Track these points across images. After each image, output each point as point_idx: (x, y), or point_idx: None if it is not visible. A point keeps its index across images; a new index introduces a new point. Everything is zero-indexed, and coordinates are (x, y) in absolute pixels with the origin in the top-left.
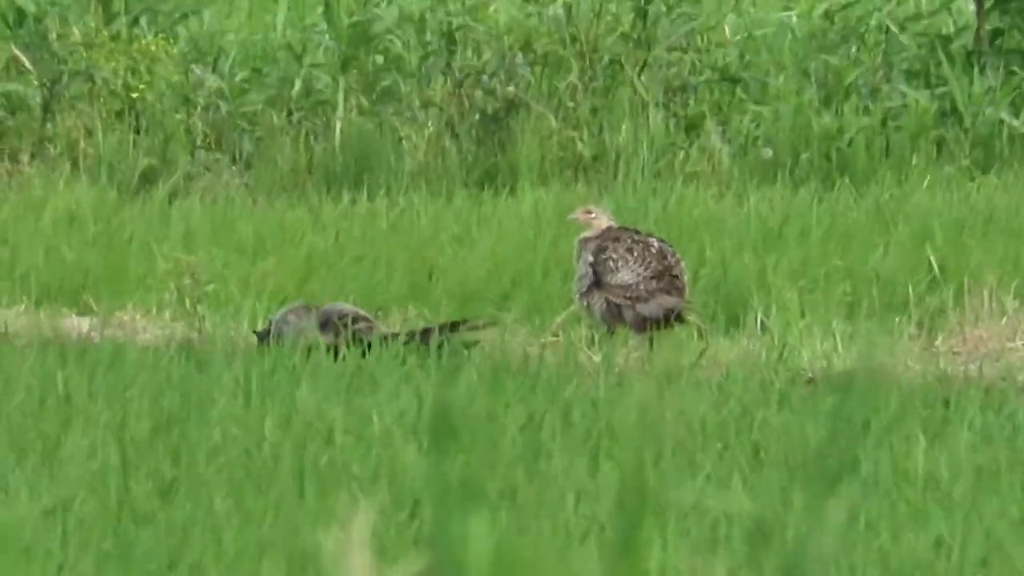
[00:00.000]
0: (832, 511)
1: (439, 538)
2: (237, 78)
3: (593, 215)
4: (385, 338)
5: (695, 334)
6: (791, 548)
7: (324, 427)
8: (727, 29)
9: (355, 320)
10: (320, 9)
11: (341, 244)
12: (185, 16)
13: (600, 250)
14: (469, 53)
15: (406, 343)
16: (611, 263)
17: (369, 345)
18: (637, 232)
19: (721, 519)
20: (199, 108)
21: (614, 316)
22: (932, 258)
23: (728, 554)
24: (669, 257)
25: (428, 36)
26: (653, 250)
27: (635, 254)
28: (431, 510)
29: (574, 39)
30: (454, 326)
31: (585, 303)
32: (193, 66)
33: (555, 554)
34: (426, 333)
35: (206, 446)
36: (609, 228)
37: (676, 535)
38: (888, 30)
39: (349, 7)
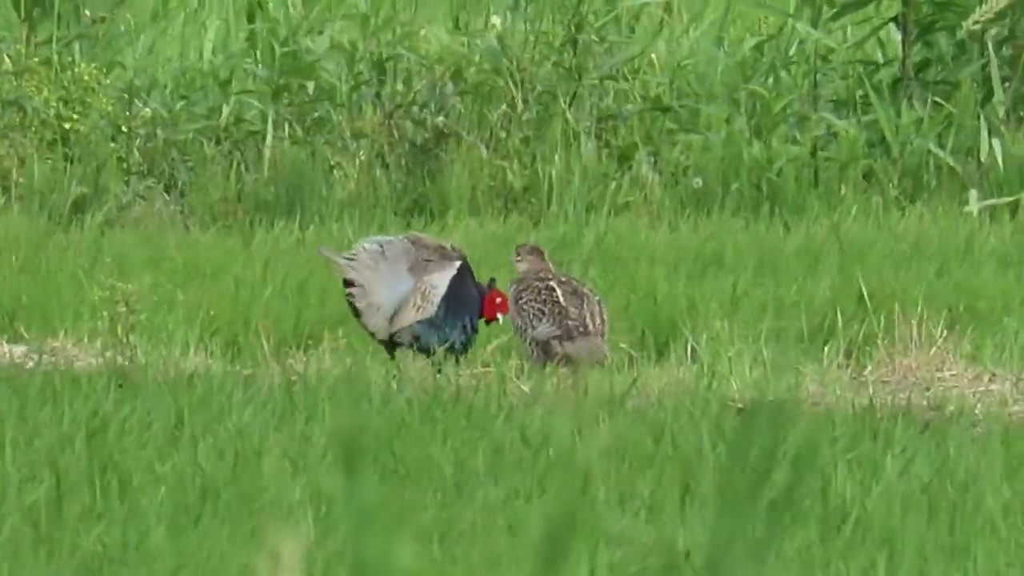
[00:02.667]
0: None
1: (359, 565)
2: (167, 107)
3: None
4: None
5: (626, 363)
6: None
7: (256, 453)
8: (655, 58)
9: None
10: (244, 36)
11: (271, 272)
12: (120, 47)
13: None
14: (400, 83)
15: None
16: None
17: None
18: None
19: (652, 548)
20: (133, 137)
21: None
22: (862, 287)
23: None
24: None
25: (359, 66)
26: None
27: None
28: (348, 537)
29: (506, 69)
30: None
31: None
32: (126, 95)
33: None
34: None
35: (140, 475)
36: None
37: (606, 565)
38: (815, 60)
39: (279, 35)
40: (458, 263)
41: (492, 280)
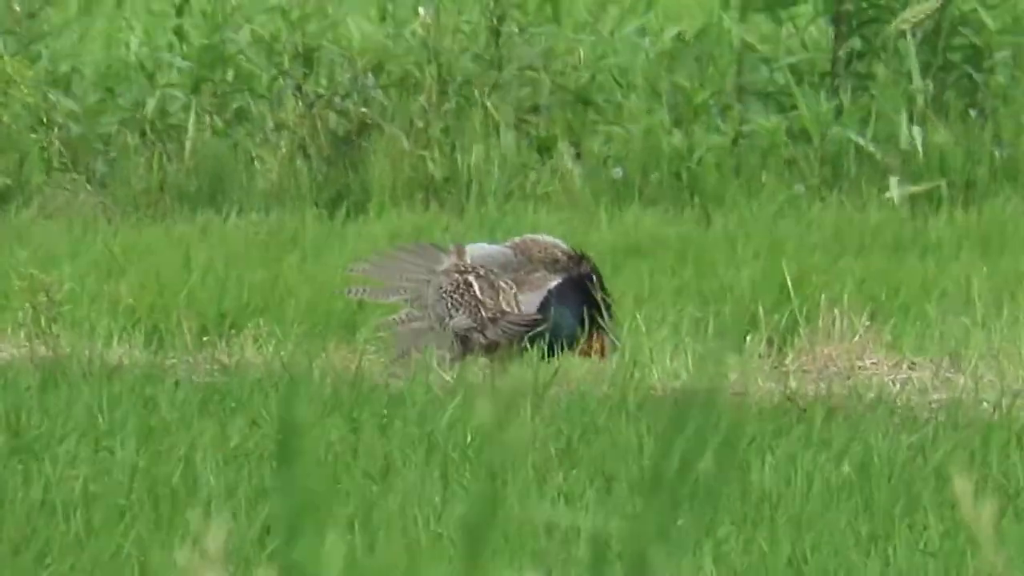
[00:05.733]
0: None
1: (290, 556)
2: (92, 99)
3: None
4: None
5: (547, 354)
6: (635, 565)
7: (180, 444)
8: (580, 51)
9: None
10: (170, 30)
11: (193, 263)
12: (43, 37)
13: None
14: (322, 76)
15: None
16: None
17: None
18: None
19: (572, 538)
20: (55, 129)
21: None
22: (786, 277)
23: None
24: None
25: (280, 57)
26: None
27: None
28: (279, 529)
29: (427, 60)
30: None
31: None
32: (48, 89)
33: (406, 570)
34: None
35: (62, 466)
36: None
37: (525, 552)
38: (740, 52)
39: (202, 29)
40: (555, 283)
41: (600, 328)
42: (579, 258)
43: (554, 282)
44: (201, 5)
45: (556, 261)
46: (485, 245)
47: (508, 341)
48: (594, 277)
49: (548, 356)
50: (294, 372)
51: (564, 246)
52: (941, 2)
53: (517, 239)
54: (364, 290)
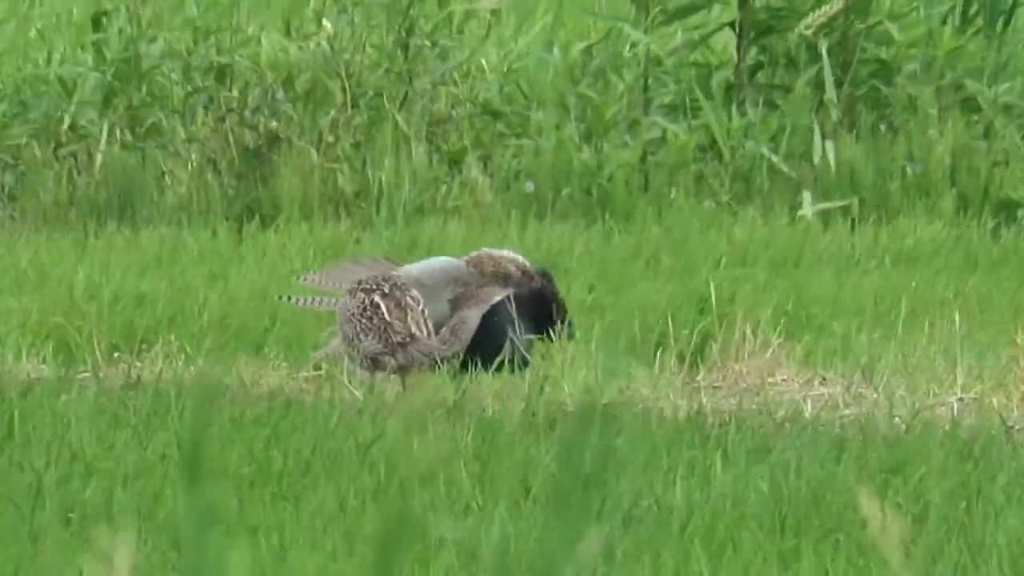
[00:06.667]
0: (586, 543)
1: (197, 570)
2: (0, 112)
3: None
4: None
5: (457, 368)
6: None
7: (88, 460)
8: (485, 63)
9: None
10: (89, 44)
11: (104, 277)
12: None
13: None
14: (234, 89)
15: None
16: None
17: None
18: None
19: (483, 549)
20: None
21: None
22: (698, 293)
23: None
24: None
25: (193, 72)
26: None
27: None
28: (187, 544)
29: (336, 73)
30: None
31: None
32: None
33: None
34: None
35: None
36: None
37: (441, 569)
38: (647, 64)
39: (119, 43)
40: (498, 298)
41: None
42: (532, 274)
43: (498, 296)
44: (116, 19)
45: (508, 276)
46: (441, 258)
47: (419, 365)
48: (545, 293)
49: (484, 370)
50: (201, 389)
51: (520, 261)
52: (844, 5)
53: (475, 253)
54: (310, 299)
